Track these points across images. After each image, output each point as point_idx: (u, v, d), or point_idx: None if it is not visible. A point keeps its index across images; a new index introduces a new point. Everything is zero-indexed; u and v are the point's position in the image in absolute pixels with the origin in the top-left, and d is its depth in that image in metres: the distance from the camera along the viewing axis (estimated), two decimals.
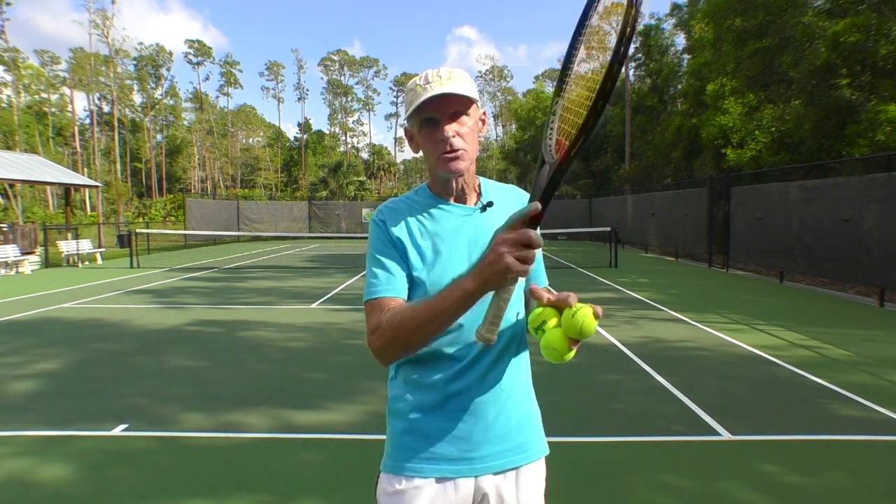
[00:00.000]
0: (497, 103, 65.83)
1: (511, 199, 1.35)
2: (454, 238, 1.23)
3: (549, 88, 53.49)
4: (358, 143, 73.88)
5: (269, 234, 26.59)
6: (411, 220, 1.25)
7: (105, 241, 23.20)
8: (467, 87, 1.17)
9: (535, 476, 1.30)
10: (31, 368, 5.34)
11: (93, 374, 5.18)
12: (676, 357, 5.68)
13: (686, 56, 27.16)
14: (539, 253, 1.30)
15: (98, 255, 17.74)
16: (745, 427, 3.76)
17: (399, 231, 1.23)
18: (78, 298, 9.82)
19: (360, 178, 44.21)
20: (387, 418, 1.30)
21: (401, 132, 64.15)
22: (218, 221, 27.29)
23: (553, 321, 1.09)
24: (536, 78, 64.51)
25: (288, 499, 2.88)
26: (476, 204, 1.28)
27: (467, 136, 1.20)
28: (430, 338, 1.10)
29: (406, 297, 1.20)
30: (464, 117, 1.20)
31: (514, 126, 44.71)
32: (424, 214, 1.25)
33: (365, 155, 68.01)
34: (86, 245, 17.54)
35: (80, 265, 16.55)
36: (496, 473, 1.24)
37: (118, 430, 3.77)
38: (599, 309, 1.05)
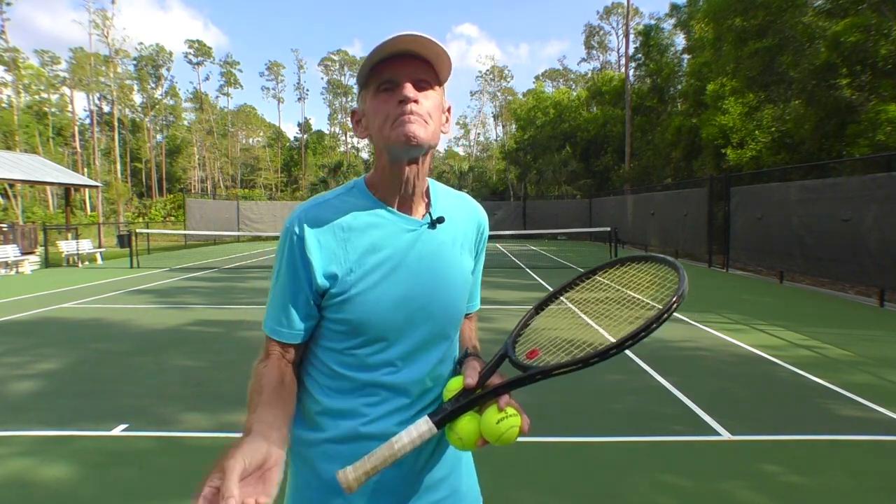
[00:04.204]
0: (497, 103, 65.83)
1: (463, 212, 1.09)
2: (393, 261, 0.98)
3: (549, 88, 53.54)
4: (358, 143, 73.88)
5: (269, 234, 26.53)
6: (339, 233, 0.97)
7: (105, 241, 23.20)
8: (444, 51, 0.91)
9: None
10: (31, 368, 5.33)
11: (93, 374, 5.17)
12: (676, 357, 5.69)
13: (686, 56, 27.17)
14: (479, 270, 1.19)
15: (98, 255, 17.74)
16: (745, 427, 3.76)
17: (319, 251, 0.96)
18: (78, 298, 9.81)
19: None
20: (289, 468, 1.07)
21: None
22: (218, 221, 27.32)
23: (468, 414, 0.95)
24: (537, 78, 64.59)
25: None
26: (424, 216, 1.02)
27: (433, 111, 0.95)
28: None
29: (301, 341, 1.02)
30: (430, 91, 0.94)
31: (514, 126, 44.71)
32: (357, 225, 0.98)
33: (365, 155, 68.05)
34: (86, 245, 17.53)
35: (80, 265, 16.54)
36: None
37: (118, 430, 3.76)
38: (527, 426, 0.94)
